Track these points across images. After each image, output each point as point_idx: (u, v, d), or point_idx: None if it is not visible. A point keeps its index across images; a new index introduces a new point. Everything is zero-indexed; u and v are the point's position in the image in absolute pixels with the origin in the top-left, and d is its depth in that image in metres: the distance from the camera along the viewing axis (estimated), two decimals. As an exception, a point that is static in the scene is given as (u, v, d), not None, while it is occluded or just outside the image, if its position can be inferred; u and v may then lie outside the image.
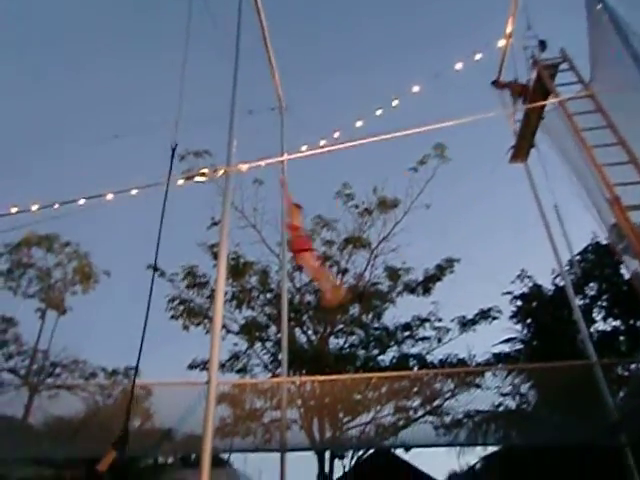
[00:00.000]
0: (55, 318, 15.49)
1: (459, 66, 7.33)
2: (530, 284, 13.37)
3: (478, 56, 7.61)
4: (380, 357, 13.88)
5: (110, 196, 6.20)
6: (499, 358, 12.23)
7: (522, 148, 8.38)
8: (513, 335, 12.93)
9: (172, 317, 13.90)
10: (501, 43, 8.01)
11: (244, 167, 5.97)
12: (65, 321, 15.61)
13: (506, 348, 12.81)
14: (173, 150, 5.52)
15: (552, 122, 7.57)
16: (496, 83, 8.75)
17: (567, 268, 9.95)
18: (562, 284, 10.34)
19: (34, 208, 6.35)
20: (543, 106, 7.50)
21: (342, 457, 14.24)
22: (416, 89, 7.10)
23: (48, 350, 15.13)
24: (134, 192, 6.12)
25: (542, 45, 7.61)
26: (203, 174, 5.96)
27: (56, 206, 6.32)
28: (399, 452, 15.58)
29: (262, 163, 6.38)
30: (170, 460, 16.68)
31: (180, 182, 6.25)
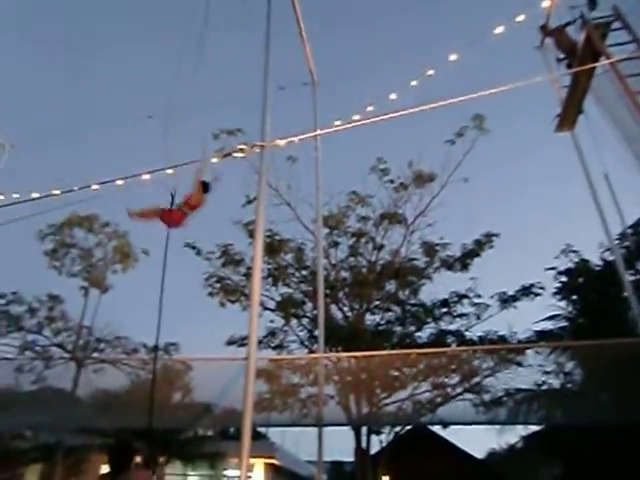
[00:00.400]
0: (98, 296, 16.07)
1: (499, 30, 6.96)
2: (576, 259, 12.88)
3: (520, 18, 7.21)
4: (417, 334, 13.83)
5: (146, 176, 6.35)
6: (542, 336, 11.92)
7: (569, 115, 7.93)
8: (557, 312, 12.59)
9: (209, 294, 14.24)
10: (545, 3, 7.51)
11: (281, 142, 5.96)
12: (107, 299, 16.22)
13: (549, 325, 12.50)
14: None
15: (603, 86, 7.13)
16: (544, 28, 8.11)
17: (617, 242, 9.52)
18: (611, 259, 9.94)
19: (75, 189, 6.59)
20: (592, 69, 7.06)
21: (379, 433, 14.42)
22: (453, 57, 6.82)
23: (92, 326, 15.74)
24: (169, 172, 6.22)
25: (591, 3, 7.09)
26: (242, 150, 5.88)
27: (95, 187, 6.57)
28: (437, 429, 15.64)
29: (296, 139, 6.33)
30: (210, 433, 17.38)
31: (214, 160, 6.33)
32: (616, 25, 6.82)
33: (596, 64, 6.90)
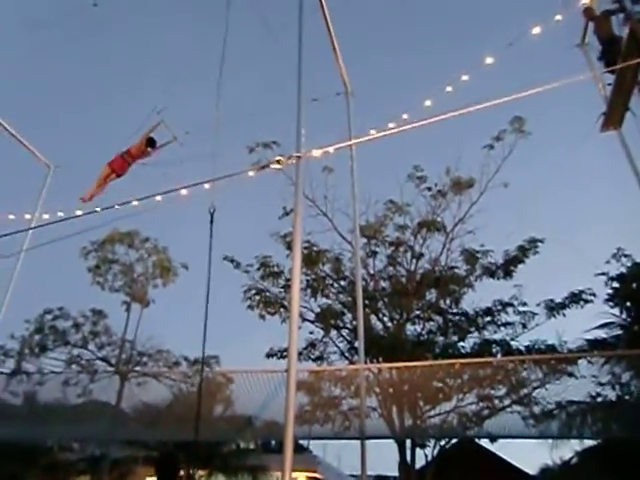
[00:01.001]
0: (139, 310, 16.42)
1: (537, 30, 6.85)
2: (628, 264, 12.32)
3: (558, 17, 7.08)
4: (460, 343, 13.59)
5: (184, 191, 6.56)
6: (594, 345, 11.44)
7: (615, 114, 7.70)
8: (610, 320, 12.01)
9: (249, 307, 14.40)
10: (585, 0, 7.35)
11: (317, 152, 6.05)
12: (148, 313, 16.53)
13: (602, 334, 11.93)
14: (212, 215, 5.89)
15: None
16: (588, 11, 7.81)
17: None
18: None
19: (116, 206, 6.82)
20: (638, 65, 6.82)
21: (424, 446, 14.14)
22: (489, 60, 6.77)
23: (135, 340, 16.09)
24: (207, 186, 6.39)
25: (635, -4, 6.90)
26: (278, 161, 5.95)
27: (135, 203, 6.79)
28: (485, 443, 15.21)
29: (331, 149, 6.36)
30: (252, 446, 17.51)
31: (251, 173, 6.47)
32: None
33: (642, 59, 6.66)
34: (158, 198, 6.61)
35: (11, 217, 10.07)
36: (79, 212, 7.32)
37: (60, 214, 7.56)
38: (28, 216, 10.45)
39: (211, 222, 5.86)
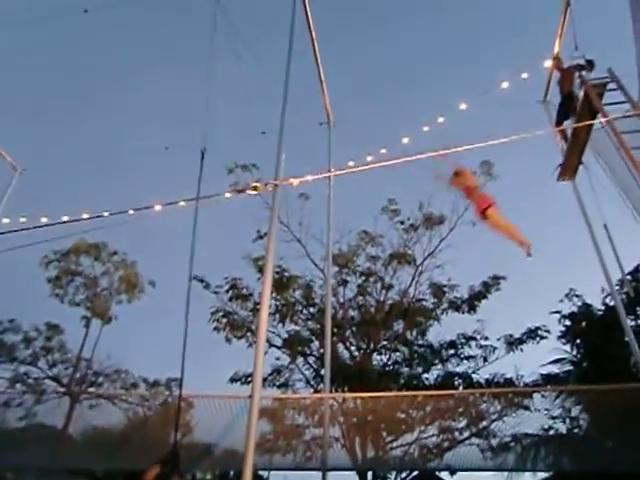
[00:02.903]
0: (100, 327, 15.75)
1: (505, 85, 7.78)
2: (579, 303, 13.42)
3: (524, 75, 8.05)
4: (424, 375, 14.10)
5: (158, 207, 6.55)
6: (548, 379, 12.26)
7: (570, 166, 8.65)
8: (562, 356, 12.98)
9: (215, 329, 14.43)
10: (548, 63, 8.37)
11: (295, 181, 6.33)
12: (109, 330, 15.89)
13: (555, 369, 12.90)
14: (202, 154, 6.00)
15: (601, 140, 7.83)
16: (555, 62, 8.56)
17: (617, 287, 10.01)
18: (613, 304, 10.43)
19: (85, 216, 6.67)
20: (591, 124, 7.79)
21: (385, 478, 14.37)
22: (463, 107, 7.55)
23: (91, 359, 15.51)
24: (182, 204, 6.47)
25: (590, 65, 7.94)
26: (255, 188, 6.15)
27: (106, 214, 6.67)
28: (445, 475, 15.58)
29: (309, 178, 6.71)
30: (208, 476, 17.15)
31: (228, 195, 6.60)
32: (612, 86, 7.62)
33: (593, 121, 7.64)
34: (131, 212, 6.59)
35: None
36: (44, 219, 6.94)
37: (23, 220, 7.22)
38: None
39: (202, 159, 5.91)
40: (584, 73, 7.92)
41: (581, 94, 7.90)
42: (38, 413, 12.15)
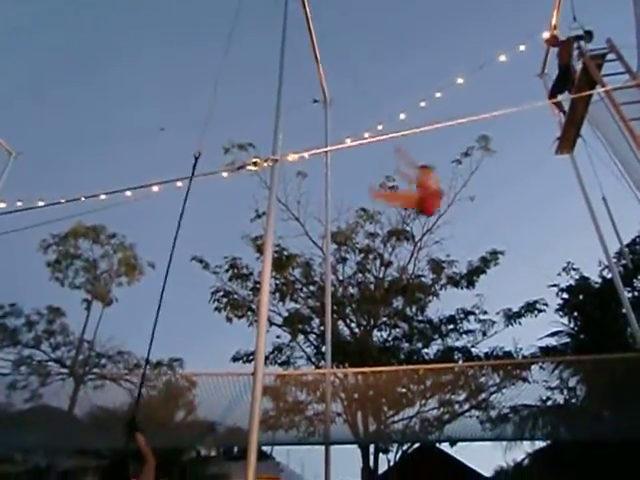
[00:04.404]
0: (100, 309, 15.59)
1: (503, 58, 7.73)
2: (577, 276, 13.55)
3: (522, 47, 7.99)
4: (424, 350, 14.31)
5: (155, 188, 6.57)
6: (546, 351, 12.45)
7: (568, 139, 8.65)
8: (560, 328, 13.18)
9: (216, 309, 14.49)
10: (546, 35, 8.30)
11: (294, 157, 6.34)
12: (110, 312, 15.81)
13: (553, 341, 13.09)
14: (196, 159, 5.86)
15: (599, 112, 7.82)
16: (552, 38, 8.57)
17: (615, 260, 10.12)
18: (610, 276, 10.53)
19: (82, 199, 6.66)
20: (589, 96, 7.76)
21: (387, 451, 14.73)
22: (460, 81, 7.52)
23: (94, 341, 15.33)
24: (179, 184, 6.39)
25: (588, 35, 7.87)
26: (255, 163, 6.12)
27: (103, 197, 6.68)
28: (445, 447, 16.00)
29: (306, 154, 6.72)
30: (213, 453, 17.52)
31: (225, 174, 6.62)
32: (611, 57, 7.58)
33: (592, 92, 7.62)
34: (128, 193, 6.58)
35: None
36: (41, 203, 6.95)
37: (19, 204, 7.12)
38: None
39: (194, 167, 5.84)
40: (582, 44, 7.88)
41: (579, 65, 7.87)
42: (43, 395, 12.22)
